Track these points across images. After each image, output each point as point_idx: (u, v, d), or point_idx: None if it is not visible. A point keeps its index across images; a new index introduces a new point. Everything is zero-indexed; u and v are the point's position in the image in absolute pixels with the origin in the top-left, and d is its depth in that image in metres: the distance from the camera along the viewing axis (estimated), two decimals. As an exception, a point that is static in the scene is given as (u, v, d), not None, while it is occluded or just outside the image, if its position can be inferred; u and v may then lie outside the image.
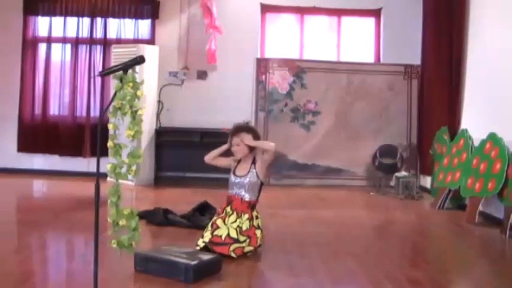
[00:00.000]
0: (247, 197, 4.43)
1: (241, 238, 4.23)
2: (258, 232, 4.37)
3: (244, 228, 4.29)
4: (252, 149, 4.51)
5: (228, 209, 4.42)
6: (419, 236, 5.60)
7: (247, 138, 4.48)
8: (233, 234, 4.23)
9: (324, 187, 8.09)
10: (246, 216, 4.36)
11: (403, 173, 7.84)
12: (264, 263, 4.20)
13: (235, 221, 4.32)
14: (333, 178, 8.33)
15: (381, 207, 6.93)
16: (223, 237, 4.21)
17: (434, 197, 7.05)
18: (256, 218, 4.43)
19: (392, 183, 7.97)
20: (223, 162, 4.62)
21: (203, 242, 4.23)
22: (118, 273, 3.72)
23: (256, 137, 4.55)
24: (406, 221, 6.20)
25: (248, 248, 4.26)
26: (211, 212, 5.16)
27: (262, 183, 4.51)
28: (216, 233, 4.25)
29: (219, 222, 4.33)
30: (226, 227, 4.27)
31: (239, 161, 4.56)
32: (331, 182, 8.26)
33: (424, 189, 7.93)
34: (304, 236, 5.11)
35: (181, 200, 6.50)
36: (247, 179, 4.44)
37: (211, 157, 4.58)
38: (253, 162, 4.51)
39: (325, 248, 4.67)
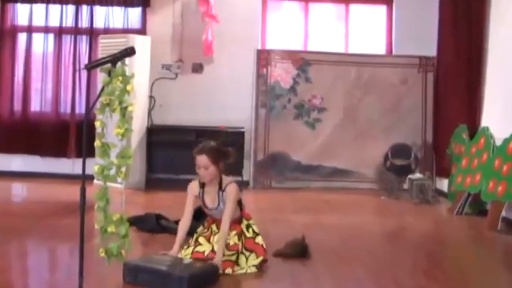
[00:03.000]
0: None
1: (227, 253, 4.12)
2: (259, 239, 4.30)
3: (231, 243, 4.19)
4: (218, 170, 4.25)
5: (214, 227, 4.33)
6: (435, 244, 5.60)
7: (204, 168, 4.19)
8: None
9: (330, 190, 8.07)
10: (234, 232, 4.26)
11: (418, 175, 7.83)
12: (264, 273, 4.18)
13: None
14: (339, 180, 8.32)
15: (392, 212, 6.93)
16: (205, 253, 4.15)
17: (452, 201, 7.05)
18: (250, 226, 4.35)
19: (405, 186, 7.95)
20: (191, 204, 4.35)
21: (185, 256, 4.16)
22: (105, 285, 3.71)
23: (215, 158, 4.18)
24: (420, 227, 6.19)
25: (258, 260, 4.16)
26: (207, 217, 5.14)
27: (240, 199, 4.35)
28: (197, 249, 4.19)
29: (201, 240, 4.26)
30: (211, 244, 4.21)
31: (204, 186, 4.32)
32: (338, 185, 8.25)
33: (440, 192, 7.92)
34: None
35: (174, 205, 6.46)
36: (221, 208, 4.26)
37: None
38: (220, 188, 4.26)
39: (330, 256, 4.67)
